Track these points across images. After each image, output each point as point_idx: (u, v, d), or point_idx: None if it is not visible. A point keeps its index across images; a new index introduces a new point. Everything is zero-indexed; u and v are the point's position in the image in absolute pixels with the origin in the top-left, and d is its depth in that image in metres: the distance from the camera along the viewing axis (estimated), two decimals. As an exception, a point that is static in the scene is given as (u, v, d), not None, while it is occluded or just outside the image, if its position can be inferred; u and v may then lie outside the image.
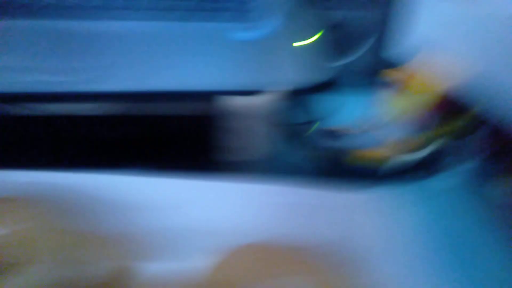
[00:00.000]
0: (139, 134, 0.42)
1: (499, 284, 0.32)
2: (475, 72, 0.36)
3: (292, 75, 0.42)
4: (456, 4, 0.35)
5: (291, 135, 0.43)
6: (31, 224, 0.25)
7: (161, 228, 0.29)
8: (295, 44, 0.44)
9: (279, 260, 0.27)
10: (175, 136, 0.43)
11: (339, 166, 0.40)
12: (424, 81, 0.40)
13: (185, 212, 0.29)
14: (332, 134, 0.42)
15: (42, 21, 0.41)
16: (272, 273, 0.26)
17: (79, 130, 0.42)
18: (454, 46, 0.37)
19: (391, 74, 0.42)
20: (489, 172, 0.41)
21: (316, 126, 0.43)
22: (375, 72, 0.46)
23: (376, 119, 0.47)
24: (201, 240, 0.29)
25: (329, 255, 0.29)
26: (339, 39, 0.48)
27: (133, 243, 0.28)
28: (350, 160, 0.41)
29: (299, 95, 0.43)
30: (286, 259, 0.27)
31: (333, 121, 0.43)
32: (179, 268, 0.25)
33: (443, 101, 0.40)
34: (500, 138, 0.42)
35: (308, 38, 0.45)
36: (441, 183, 0.44)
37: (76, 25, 0.42)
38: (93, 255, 0.26)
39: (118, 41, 0.41)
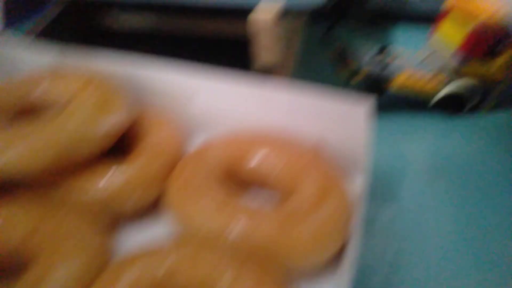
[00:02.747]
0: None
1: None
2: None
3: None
4: None
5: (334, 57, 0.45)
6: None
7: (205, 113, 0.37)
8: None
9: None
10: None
11: (379, 91, 0.43)
12: (473, 9, 0.40)
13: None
14: (377, 59, 0.43)
15: None
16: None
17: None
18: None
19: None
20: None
21: (364, 49, 0.45)
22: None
23: (424, 49, 0.48)
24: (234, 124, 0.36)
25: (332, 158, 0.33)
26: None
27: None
28: (391, 87, 0.43)
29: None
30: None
31: (381, 48, 0.45)
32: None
33: (490, 31, 0.40)
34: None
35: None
36: (487, 120, 0.45)
37: None
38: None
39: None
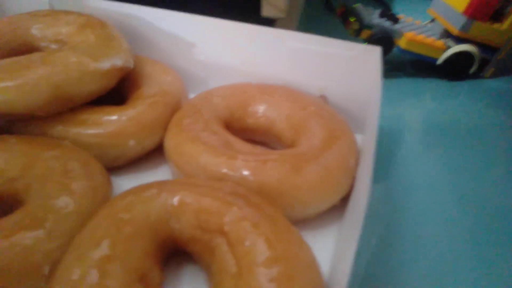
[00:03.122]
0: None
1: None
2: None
3: None
4: None
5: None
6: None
7: (209, 62, 0.36)
8: None
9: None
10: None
11: (388, 45, 0.42)
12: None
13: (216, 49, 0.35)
14: (388, 15, 0.43)
15: None
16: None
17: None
18: None
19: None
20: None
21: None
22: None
23: (425, 17, 0.48)
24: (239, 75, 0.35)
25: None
26: None
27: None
28: (399, 43, 0.43)
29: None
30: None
31: (383, 10, 0.45)
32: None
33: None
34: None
35: None
36: (488, 85, 0.45)
37: None
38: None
39: None
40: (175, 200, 0.22)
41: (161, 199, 0.22)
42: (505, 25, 0.42)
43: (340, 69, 0.32)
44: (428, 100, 0.43)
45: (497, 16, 0.42)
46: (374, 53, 0.30)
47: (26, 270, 0.20)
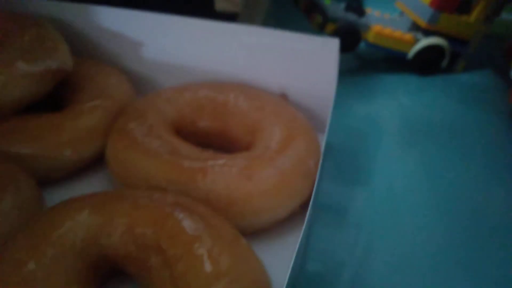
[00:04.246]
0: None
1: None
2: None
3: None
4: None
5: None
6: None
7: (159, 62, 0.34)
8: None
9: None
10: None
11: (354, 40, 0.41)
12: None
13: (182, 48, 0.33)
14: (354, 8, 0.41)
15: None
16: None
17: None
18: None
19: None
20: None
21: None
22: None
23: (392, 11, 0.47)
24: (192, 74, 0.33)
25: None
26: None
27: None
28: (366, 37, 0.41)
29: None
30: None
31: (348, 3, 0.43)
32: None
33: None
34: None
35: None
36: (460, 80, 0.44)
37: None
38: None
39: None
40: (105, 214, 0.20)
41: (89, 215, 0.20)
42: (472, 17, 0.41)
43: (300, 64, 0.30)
44: (401, 97, 0.42)
45: (464, 8, 0.41)
46: (332, 45, 0.28)
47: None
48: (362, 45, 0.43)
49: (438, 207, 0.29)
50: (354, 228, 0.27)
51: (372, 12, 0.44)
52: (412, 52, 0.42)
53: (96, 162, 0.28)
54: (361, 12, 0.42)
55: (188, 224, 0.20)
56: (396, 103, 0.41)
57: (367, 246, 0.26)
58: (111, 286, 0.22)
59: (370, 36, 0.41)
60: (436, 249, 0.26)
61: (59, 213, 0.20)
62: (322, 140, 0.25)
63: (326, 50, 0.29)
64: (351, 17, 0.41)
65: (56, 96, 0.30)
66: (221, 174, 0.23)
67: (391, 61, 0.47)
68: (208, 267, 0.18)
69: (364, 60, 0.47)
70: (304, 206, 0.25)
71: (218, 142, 0.30)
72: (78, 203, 0.21)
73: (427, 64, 0.43)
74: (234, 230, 0.21)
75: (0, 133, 0.25)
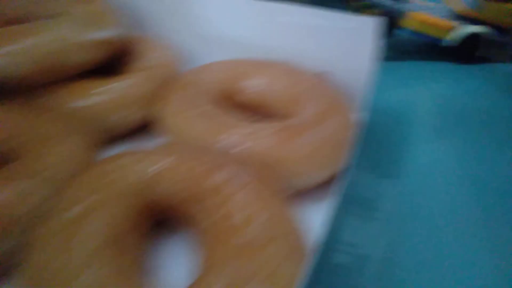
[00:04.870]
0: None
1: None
2: None
3: None
4: None
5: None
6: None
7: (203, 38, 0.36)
8: None
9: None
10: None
11: (392, 26, 0.41)
12: None
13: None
14: None
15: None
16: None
17: None
18: None
19: None
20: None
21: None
22: None
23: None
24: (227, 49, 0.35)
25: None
26: None
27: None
28: (404, 23, 0.42)
29: None
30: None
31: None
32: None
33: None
34: None
35: None
36: (499, 70, 0.44)
37: None
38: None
39: None
40: (157, 165, 0.22)
41: (143, 164, 0.22)
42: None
43: (338, 44, 0.31)
44: (438, 85, 0.42)
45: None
46: (372, 24, 0.29)
47: (7, 222, 0.20)
48: (398, 31, 0.43)
49: (473, 201, 0.28)
50: (383, 220, 0.26)
51: (413, -1, 0.45)
52: (450, 39, 0.43)
53: (140, 129, 0.30)
54: (396, 4, 0.42)
55: (231, 174, 0.21)
56: (432, 91, 0.41)
57: (396, 240, 0.25)
58: (155, 235, 0.24)
59: (408, 23, 0.42)
60: (470, 246, 0.25)
61: (110, 161, 0.23)
62: (357, 120, 0.26)
63: (366, 29, 0.30)
64: (388, 2, 0.42)
65: (108, 66, 0.32)
66: (260, 137, 0.25)
67: (428, 48, 0.47)
68: (248, 210, 0.20)
69: (399, 47, 0.48)
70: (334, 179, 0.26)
71: (255, 114, 0.32)
72: (130, 153, 0.23)
73: (468, 52, 0.43)
74: (272, 189, 0.22)
75: (61, 94, 0.28)
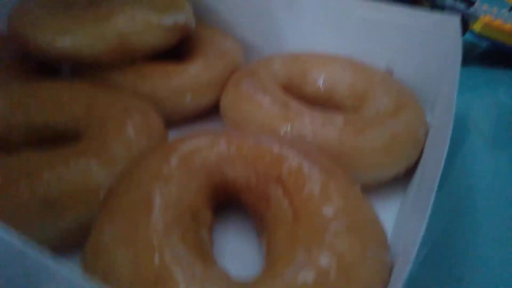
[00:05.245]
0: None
1: None
2: None
3: None
4: None
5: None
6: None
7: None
8: None
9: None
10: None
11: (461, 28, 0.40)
12: None
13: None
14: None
15: None
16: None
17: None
18: None
19: None
20: None
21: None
22: None
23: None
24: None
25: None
26: None
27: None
28: (474, 26, 0.40)
29: None
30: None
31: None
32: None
33: None
34: None
35: None
36: None
37: None
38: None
39: None
40: (232, 146, 0.22)
41: (218, 145, 0.22)
42: None
43: (411, 41, 0.31)
44: (502, 94, 0.40)
45: None
46: (452, 24, 0.28)
47: (84, 195, 0.20)
48: (467, 35, 0.42)
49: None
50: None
51: (480, 4, 0.43)
52: None
53: (209, 113, 0.31)
54: (470, 2, 0.41)
55: (306, 161, 0.21)
56: (494, 99, 0.39)
57: (436, 249, 0.24)
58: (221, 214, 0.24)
59: (478, 27, 0.41)
60: None
61: (184, 141, 0.23)
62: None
63: (446, 29, 0.29)
64: (460, 6, 0.41)
65: (177, 51, 0.33)
66: (333, 127, 0.24)
67: (494, 54, 0.45)
68: (327, 198, 0.19)
69: (467, 51, 0.46)
70: (407, 173, 0.25)
71: (322, 108, 0.31)
72: (203, 134, 0.23)
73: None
74: (348, 176, 0.22)
75: (133, 74, 0.29)
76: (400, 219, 0.23)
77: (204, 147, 0.22)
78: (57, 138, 0.25)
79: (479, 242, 0.24)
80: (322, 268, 0.16)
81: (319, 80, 0.31)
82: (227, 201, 0.23)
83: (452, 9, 0.40)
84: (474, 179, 0.29)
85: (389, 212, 0.24)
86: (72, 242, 0.20)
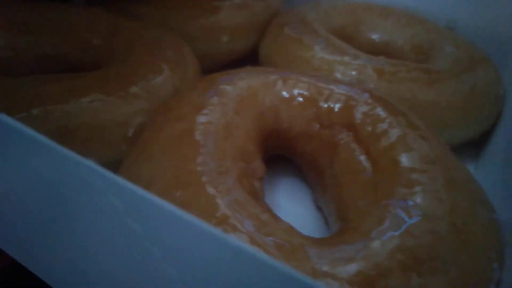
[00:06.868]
0: None
1: None
2: None
3: None
4: None
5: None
6: None
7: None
8: None
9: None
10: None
11: None
12: None
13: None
14: None
15: None
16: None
17: None
18: None
19: None
20: None
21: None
22: None
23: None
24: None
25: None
26: None
27: None
28: None
29: None
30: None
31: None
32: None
33: None
34: None
35: None
36: None
37: None
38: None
39: None
40: (292, 88, 0.18)
41: (274, 85, 0.18)
42: None
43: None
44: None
45: None
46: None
47: (111, 128, 0.17)
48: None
49: None
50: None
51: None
52: None
53: (245, 59, 0.27)
54: None
55: (381, 109, 0.17)
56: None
57: None
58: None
59: None
60: None
61: (232, 76, 0.19)
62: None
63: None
64: None
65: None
66: (405, 77, 0.20)
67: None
68: (414, 146, 0.16)
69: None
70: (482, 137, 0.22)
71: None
72: (256, 70, 0.19)
73: None
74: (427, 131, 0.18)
75: (160, 6, 0.25)
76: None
77: (257, 86, 0.18)
78: (70, 69, 0.21)
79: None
80: (430, 222, 0.13)
81: (375, 30, 0.27)
82: (277, 151, 0.20)
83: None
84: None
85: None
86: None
